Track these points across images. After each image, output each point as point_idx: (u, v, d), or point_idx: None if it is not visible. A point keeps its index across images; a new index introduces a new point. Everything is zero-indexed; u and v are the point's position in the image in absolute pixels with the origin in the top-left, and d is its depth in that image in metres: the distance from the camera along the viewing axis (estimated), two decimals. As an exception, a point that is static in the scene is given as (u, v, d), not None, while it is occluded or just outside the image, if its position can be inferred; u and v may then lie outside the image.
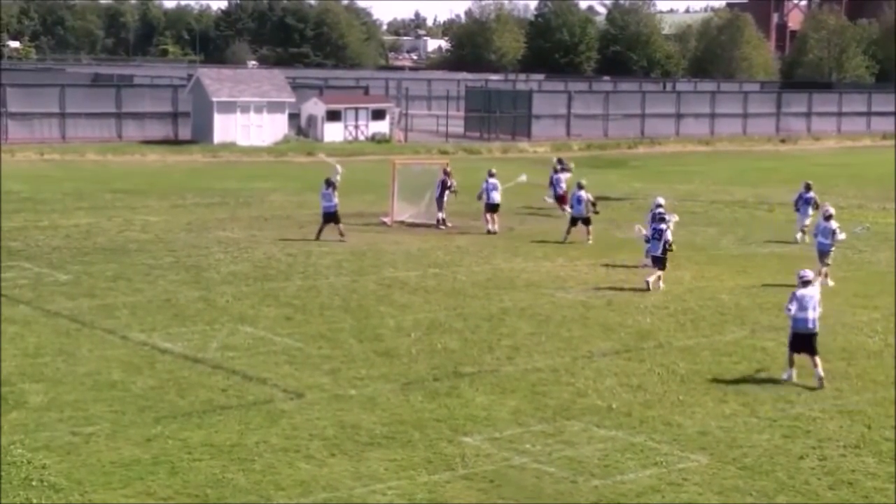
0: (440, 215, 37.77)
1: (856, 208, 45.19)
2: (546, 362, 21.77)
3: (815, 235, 30.39)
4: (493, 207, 36.89)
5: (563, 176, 42.29)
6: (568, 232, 35.31)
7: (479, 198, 37.47)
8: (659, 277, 28.59)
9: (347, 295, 27.18)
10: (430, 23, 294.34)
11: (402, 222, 38.24)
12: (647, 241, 28.87)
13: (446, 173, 38.16)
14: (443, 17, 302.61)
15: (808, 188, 36.33)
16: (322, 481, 15.59)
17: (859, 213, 43.46)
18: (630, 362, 21.92)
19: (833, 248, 29.76)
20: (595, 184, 51.92)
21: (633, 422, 18.43)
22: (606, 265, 31.73)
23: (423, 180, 39.11)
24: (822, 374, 20.50)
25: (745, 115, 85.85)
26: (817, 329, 20.71)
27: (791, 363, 20.87)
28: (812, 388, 20.25)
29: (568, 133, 77.72)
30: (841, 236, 29.64)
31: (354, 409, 18.68)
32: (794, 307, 20.61)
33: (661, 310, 26.39)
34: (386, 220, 38.35)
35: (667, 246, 28.61)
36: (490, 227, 36.77)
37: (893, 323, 25.30)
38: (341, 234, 34.01)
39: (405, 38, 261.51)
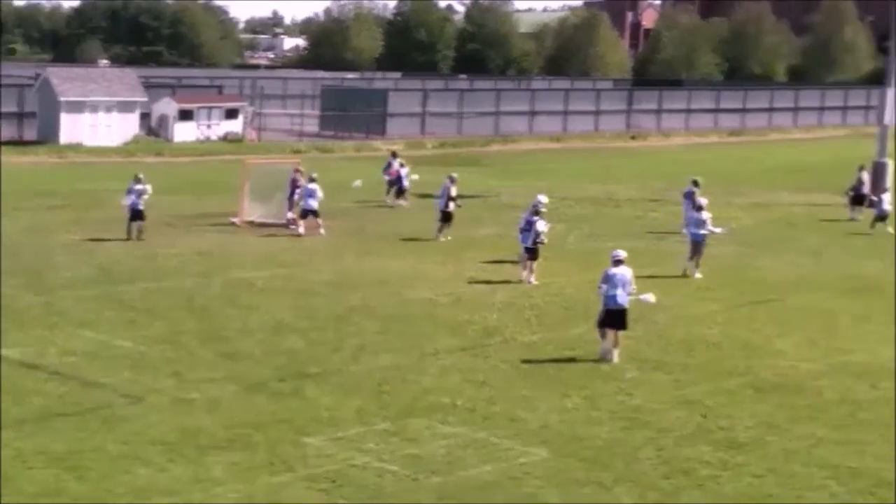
0: (289, 215, 37.52)
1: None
2: (392, 361, 21.79)
3: (688, 226, 30.97)
4: (308, 213, 36.13)
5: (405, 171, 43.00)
6: (440, 230, 35.53)
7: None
8: (531, 270, 29.10)
9: (192, 297, 26.85)
10: (287, 21, 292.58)
11: (251, 223, 37.91)
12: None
13: (298, 172, 37.96)
14: (301, 16, 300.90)
15: (695, 184, 36.94)
16: (160, 487, 15.38)
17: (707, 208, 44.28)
18: (476, 359, 22.07)
19: (706, 239, 30.40)
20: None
21: (477, 418, 18.55)
22: (457, 263, 31.87)
23: (275, 180, 38.77)
24: (616, 356, 21.68)
25: (598, 113, 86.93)
26: (627, 305, 21.81)
27: (603, 336, 21.88)
28: (653, 382, 20.62)
29: (422, 131, 77.87)
30: (717, 230, 30.67)
31: (196, 412, 18.47)
32: (605, 285, 21.85)
33: (508, 306, 26.61)
34: (235, 220, 37.98)
35: (537, 238, 29.09)
36: (300, 230, 36.12)
37: (733, 315, 25.90)
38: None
39: (262, 36, 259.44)
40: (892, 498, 15.45)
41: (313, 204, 35.99)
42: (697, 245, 30.15)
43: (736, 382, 20.67)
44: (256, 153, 59.82)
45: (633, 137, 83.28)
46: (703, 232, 30.16)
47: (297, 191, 37.48)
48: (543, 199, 30.53)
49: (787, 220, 40.05)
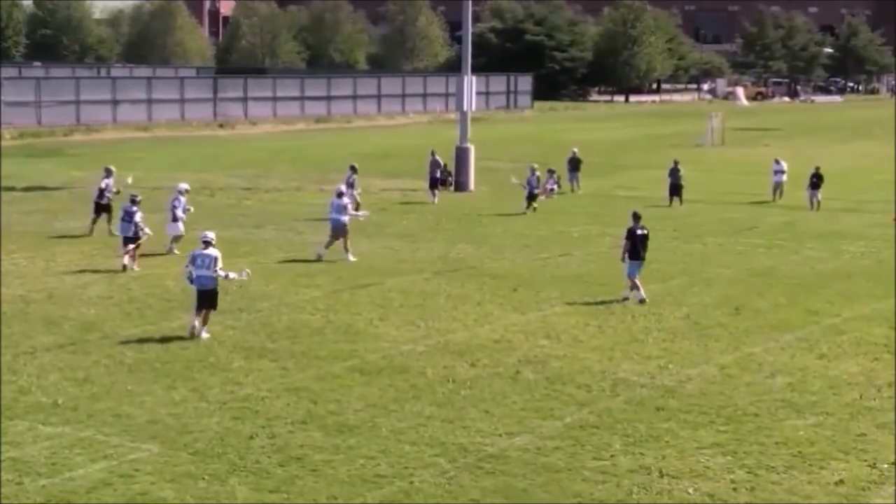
0: None
1: (295, 190, 46.48)
2: (-15, 361, 20.76)
3: (330, 213, 31.11)
4: None
5: None
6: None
7: None
8: (133, 258, 28.82)
9: None
10: None
11: None
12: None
13: None
14: None
15: (353, 170, 38.01)
16: None
17: (298, 195, 44.73)
18: (75, 355, 21.35)
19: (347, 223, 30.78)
20: (31, 174, 50.39)
21: (81, 416, 17.96)
22: (47, 259, 30.72)
23: None
24: (199, 329, 22.46)
25: (183, 101, 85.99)
26: (216, 287, 22.64)
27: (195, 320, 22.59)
28: (261, 370, 20.60)
29: (-1, 122, 74.56)
30: (359, 214, 32.09)
31: None
32: (191, 267, 22.67)
33: (105, 300, 25.90)
34: None
35: (137, 229, 29.15)
36: None
37: (335, 300, 26.23)
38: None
39: None
40: (496, 469, 16.09)
41: None
42: (338, 230, 30.58)
43: (342, 366, 20.93)
44: None
45: (221, 126, 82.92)
46: (344, 218, 30.54)
47: None
48: (186, 186, 32.31)
49: (378, 205, 40.86)
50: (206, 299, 22.61)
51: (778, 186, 45.33)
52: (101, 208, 34.27)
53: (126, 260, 28.87)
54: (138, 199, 29.97)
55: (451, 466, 16.06)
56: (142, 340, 22.46)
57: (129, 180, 37.84)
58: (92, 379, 19.90)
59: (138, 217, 29.19)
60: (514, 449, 16.85)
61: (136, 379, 19.96)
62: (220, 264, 22.67)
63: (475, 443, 17.11)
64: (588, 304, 26.28)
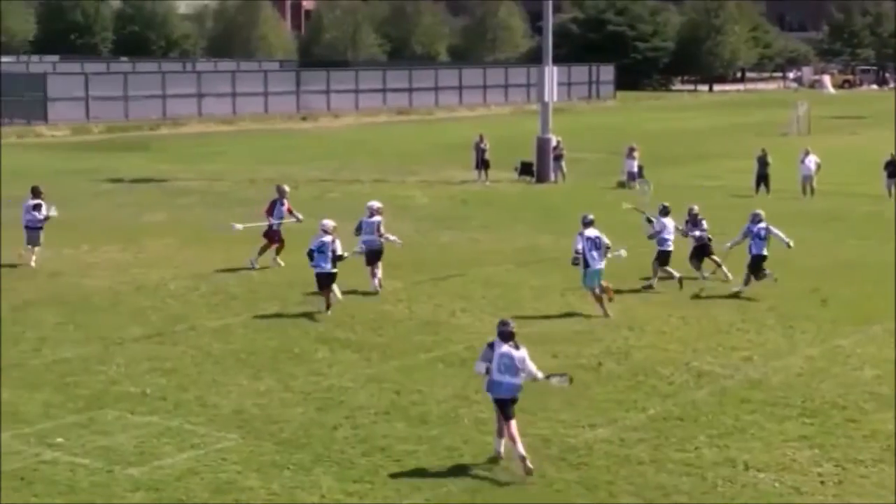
0: None
1: (376, 182, 46.66)
2: (75, 352, 21.13)
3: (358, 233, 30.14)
4: None
5: None
6: None
7: None
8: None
9: None
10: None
11: None
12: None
13: None
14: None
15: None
16: None
17: (380, 187, 44.91)
18: (163, 346, 21.65)
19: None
20: (118, 167, 51.10)
21: (169, 406, 18.22)
22: (135, 251, 31.15)
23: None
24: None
25: (267, 94, 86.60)
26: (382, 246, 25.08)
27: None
28: (344, 361, 20.74)
29: (87, 116, 75.61)
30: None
31: None
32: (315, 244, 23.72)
33: (191, 291, 26.22)
34: None
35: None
36: None
37: (417, 291, 26.31)
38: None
39: None
40: (579, 461, 16.07)
41: None
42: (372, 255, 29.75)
43: (425, 357, 21.04)
44: None
45: (304, 118, 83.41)
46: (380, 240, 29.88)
47: None
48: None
49: (460, 196, 40.95)
50: (375, 257, 25.80)
51: (807, 180, 43.61)
52: None
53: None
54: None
55: (534, 458, 16.06)
56: (227, 331, 22.72)
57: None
58: (179, 369, 20.18)
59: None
60: (597, 441, 16.83)
61: (221, 369, 20.20)
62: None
63: (558, 434, 17.10)
64: (671, 295, 26.12)
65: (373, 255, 25.96)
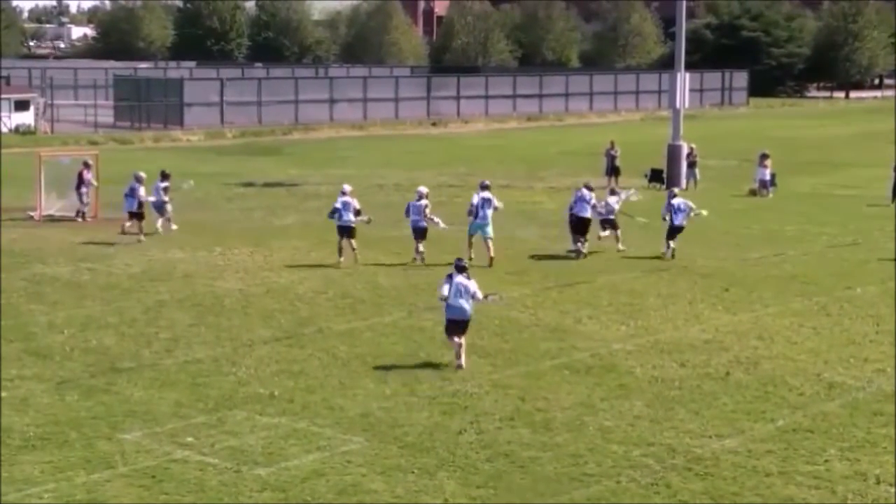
0: (81, 207, 36.82)
1: (503, 188, 46.61)
2: (206, 353, 21.50)
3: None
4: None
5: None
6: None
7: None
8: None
9: (-6, 293, 26.05)
10: (73, 10, 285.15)
11: (50, 216, 36.94)
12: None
13: (87, 166, 37.09)
14: (87, 4, 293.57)
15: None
16: (-28, 490, 14.89)
17: (507, 193, 44.83)
18: (291, 349, 21.92)
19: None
20: (250, 171, 51.88)
21: (296, 407, 18.43)
22: (265, 254, 31.58)
23: (73, 172, 37.88)
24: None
25: (397, 100, 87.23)
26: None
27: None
28: (469, 367, 20.76)
29: (222, 121, 76.95)
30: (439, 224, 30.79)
31: (6, 411, 17.93)
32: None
33: (319, 295, 26.50)
34: (33, 214, 36.95)
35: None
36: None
37: (543, 298, 26.26)
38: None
39: (48, 25, 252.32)
40: (705, 472, 15.89)
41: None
42: (417, 232, 30.37)
43: (550, 364, 20.98)
44: (51, 145, 58.35)
45: (433, 124, 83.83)
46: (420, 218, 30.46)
47: (85, 189, 36.78)
48: (348, 188, 30.96)
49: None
50: (421, 235, 29.78)
51: None
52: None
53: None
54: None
55: (660, 467, 15.93)
56: (354, 335, 22.91)
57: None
58: (306, 372, 20.40)
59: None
60: (724, 451, 16.62)
61: (348, 372, 20.38)
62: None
63: (684, 444, 16.93)
64: (803, 305, 25.71)
65: (419, 233, 30.20)
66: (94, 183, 37.24)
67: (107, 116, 77.39)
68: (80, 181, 36.85)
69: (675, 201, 31.45)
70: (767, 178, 45.05)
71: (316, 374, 20.30)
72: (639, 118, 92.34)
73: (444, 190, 45.27)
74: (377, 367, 20.65)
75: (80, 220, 36.50)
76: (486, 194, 30.66)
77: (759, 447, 16.78)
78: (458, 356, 20.64)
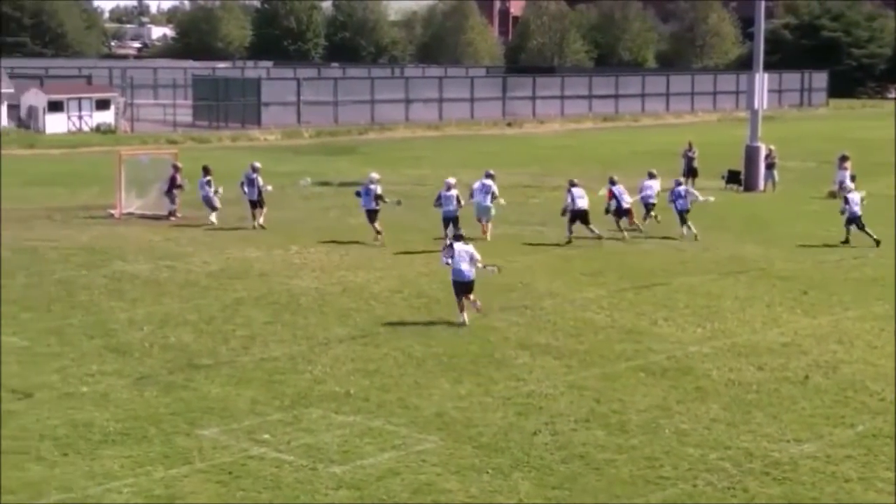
0: (171, 207, 37.17)
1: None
2: (282, 351, 21.65)
3: (472, 196, 33.70)
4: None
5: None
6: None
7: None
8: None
9: (76, 290, 26.40)
10: (153, 10, 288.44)
11: (130, 214, 37.39)
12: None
13: (176, 169, 37.45)
14: (167, 5, 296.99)
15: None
16: (54, 482, 15.11)
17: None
18: (367, 347, 22.00)
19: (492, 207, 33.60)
20: (327, 170, 52.14)
21: (371, 406, 18.50)
22: (341, 253, 31.74)
23: (152, 171, 38.35)
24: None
25: (473, 100, 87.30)
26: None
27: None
28: (544, 367, 20.74)
29: (298, 120, 77.46)
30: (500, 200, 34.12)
31: (87, 406, 18.18)
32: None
33: (395, 294, 26.58)
34: (114, 212, 37.42)
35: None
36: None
37: (619, 299, 26.16)
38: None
39: (128, 25, 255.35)
40: (783, 477, 15.75)
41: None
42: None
43: (625, 366, 20.89)
44: (131, 144, 59.05)
45: (509, 124, 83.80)
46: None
47: (177, 191, 37.16)
48: (375, 175, 33.64)
49: (661, 204, 40.37)
50: (454, 223, 30.80)
51: None
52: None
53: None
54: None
55: (737, 471, 15.81)
56: (429, 334, 22.95)
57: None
58: (382, 370, 20.47)
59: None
60: (802, 456, 16.45)
61: (423, 372, 20.42)
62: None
63: (762, 448, 16.78)
64: (883, 309, 25.38)
65: (451, 221, 31.60)
66: (186, 187, 37.39)
67: (186, 116, 78.25)
68: (172, 184, 37.19)
69: (678, 188, 35.13)
70: (847, 179, 44.47)
71: (391, 372, 20.37)
72: (716, 119, 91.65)
73: (519, 190, 45.19)
74: (452, 367, 20.67)
75: (172, 219, 36.82)
76: (488, 181, 33.66)
77: (838, 452, 16.59)
78: (461, 312, 23.49)
